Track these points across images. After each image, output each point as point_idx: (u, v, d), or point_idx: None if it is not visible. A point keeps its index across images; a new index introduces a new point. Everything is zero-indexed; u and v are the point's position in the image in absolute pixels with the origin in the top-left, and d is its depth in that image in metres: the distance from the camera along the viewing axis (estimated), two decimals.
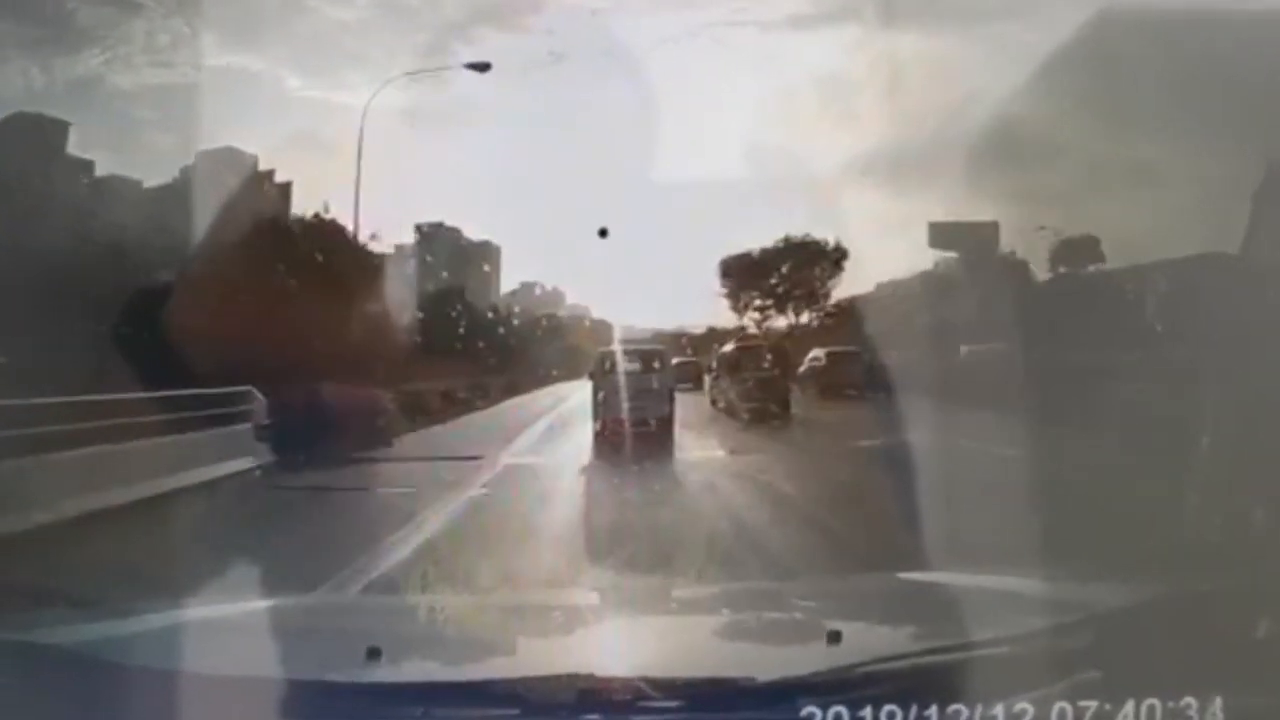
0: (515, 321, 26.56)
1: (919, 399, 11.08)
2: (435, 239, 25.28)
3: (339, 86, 32.88)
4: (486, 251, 27.23)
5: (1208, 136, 11.91)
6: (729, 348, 20.31)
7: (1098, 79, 14.67)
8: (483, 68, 18.05)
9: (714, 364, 21.03)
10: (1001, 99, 16.57)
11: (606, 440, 14.15)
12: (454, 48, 19.14)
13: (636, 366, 15.54)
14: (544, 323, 28.94)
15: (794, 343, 23.94)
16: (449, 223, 26.09)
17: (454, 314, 21.56)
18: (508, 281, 29.03)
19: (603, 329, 25.21)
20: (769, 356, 19.28)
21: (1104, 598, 2.24)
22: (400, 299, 19.47)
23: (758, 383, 17.89)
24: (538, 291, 30.13)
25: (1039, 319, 13.94)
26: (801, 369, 21.36)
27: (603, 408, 14.81)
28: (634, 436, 13.73)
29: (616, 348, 16.30)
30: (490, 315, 25.05)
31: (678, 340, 25.90)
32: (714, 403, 19.64)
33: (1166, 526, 5.50)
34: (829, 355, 20.70)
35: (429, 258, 24.25)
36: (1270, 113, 10.03)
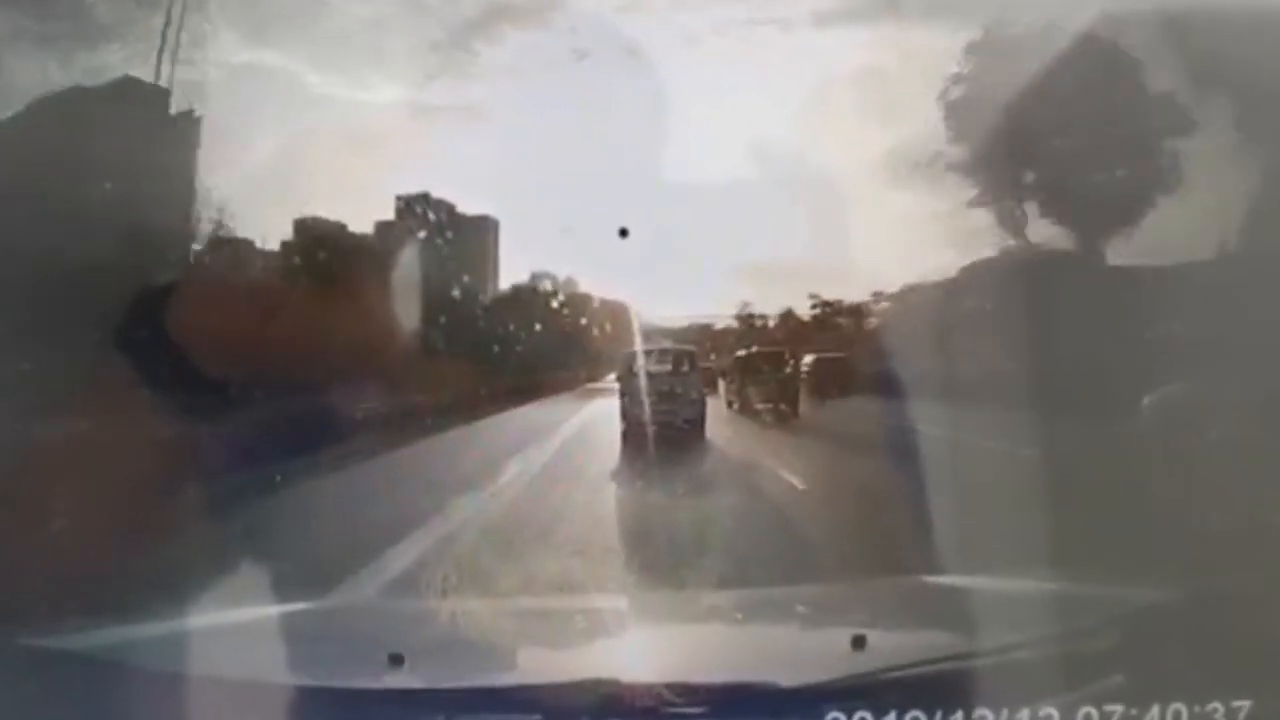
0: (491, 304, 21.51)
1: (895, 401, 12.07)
2: (421, 212, 21.12)
3: (359, 84, 32.77)
4: (484, 227, 23.43)
5: (1238, 135, 11.78)
6: (743, 353, 21.20)
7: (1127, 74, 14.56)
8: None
9: (728, 368, 21.80)
10: (1028, 96, 16.41)
11: (632, 446, 13.38)
12: (475, 45, 18.82)
13: (666, 368, 15.38)
14: (541, 304, 23.07)
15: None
16: (437, 194, 21.58)
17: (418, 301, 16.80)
18: (520, 273, 25.97)
19: (619, 315, 21.82)
20: (786, 360, 20.10)
21: (1128, 601, 2.22)
22: (358, 283, 16.45)
23: (771, 385, 19.02)
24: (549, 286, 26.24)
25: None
26: None
27: (629, 411, 14.48)
28: (662, 442, 13.04)
29: (639, 348, 15.77)
30: (457, 297, 20.10)
31: (701, 340, 25.26)
32: (729, 405, 20.47)
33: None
34: (817, 361, 22.22)
35: (414, 234, 20.34)
36: None
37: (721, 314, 28.65)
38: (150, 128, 15.15)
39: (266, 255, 17.82)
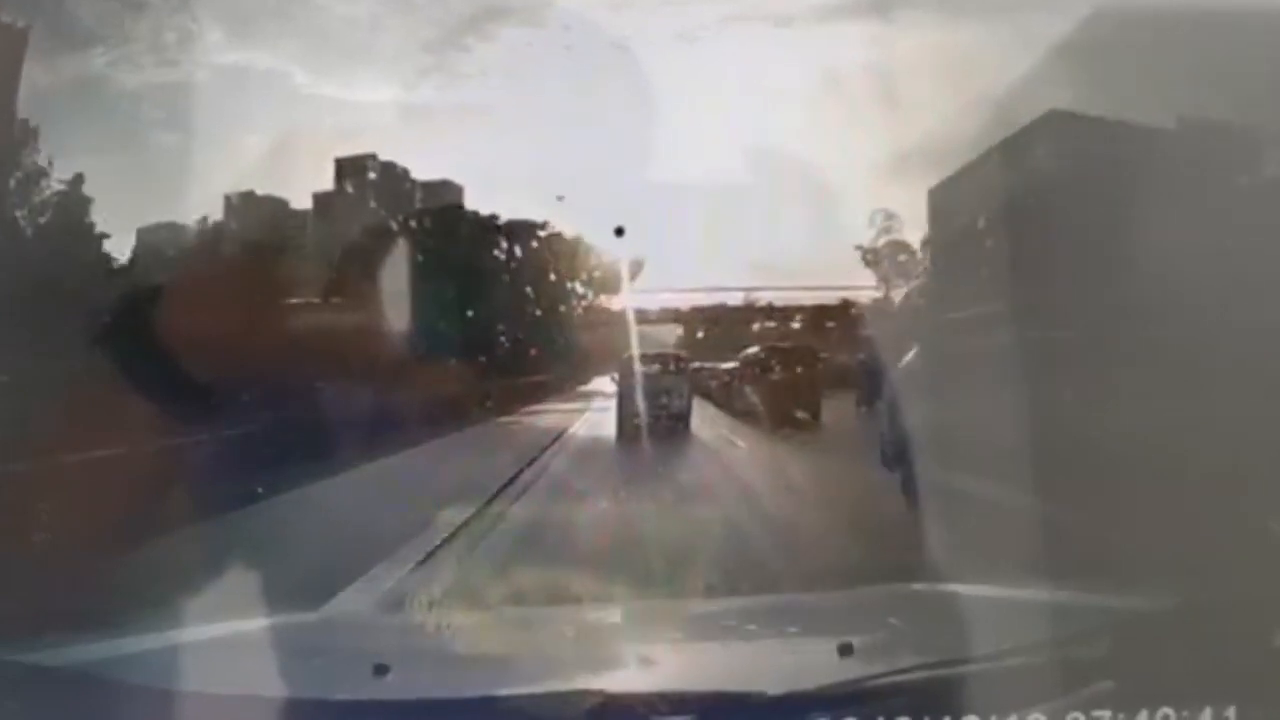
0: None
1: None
2: (365, 177, 18.82)
3: (347, 84, 32.36)
4: (445, 193, 20.18)
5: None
6: (753, 350, 18.99)
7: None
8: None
9: (736, 370, 19.70)
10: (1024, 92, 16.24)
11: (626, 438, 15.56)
12: (467, 43, 18.53)
13: (656, 369, 17.12)
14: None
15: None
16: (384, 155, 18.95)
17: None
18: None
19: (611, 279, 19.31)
20: (810, 357, 17.86)
21: (1118, 607, 2.22)
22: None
23: (785, 386, 16.97)
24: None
25: None
26: None
27: (624, 408, 16.13)
28: (653, 434, 14.92)
29: (635, 352, 17.02)
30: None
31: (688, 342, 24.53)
32: (734, 408, 18.63)
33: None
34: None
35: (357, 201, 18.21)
36: None
37: (713, 311, 28.39)
38: None
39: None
